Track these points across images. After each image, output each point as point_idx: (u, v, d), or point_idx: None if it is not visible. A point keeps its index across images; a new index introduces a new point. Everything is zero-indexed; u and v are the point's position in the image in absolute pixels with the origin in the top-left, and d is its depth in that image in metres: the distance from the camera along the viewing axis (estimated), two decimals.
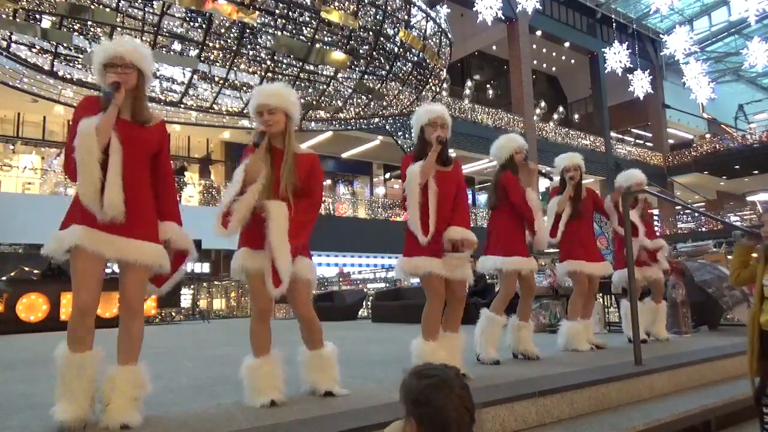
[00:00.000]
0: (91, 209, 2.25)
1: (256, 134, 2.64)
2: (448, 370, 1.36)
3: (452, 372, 1.36)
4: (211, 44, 10.93)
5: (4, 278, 9.96)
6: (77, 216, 2.29)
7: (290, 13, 10.85)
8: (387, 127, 15.73)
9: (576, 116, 31.70)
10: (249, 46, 11.33)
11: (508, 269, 3.94)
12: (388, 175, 24.41)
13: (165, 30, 10.61)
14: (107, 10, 9.70)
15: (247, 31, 10.84)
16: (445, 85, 17.85)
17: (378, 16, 11.76)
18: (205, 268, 17.58)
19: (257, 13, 10.50)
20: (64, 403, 2.20)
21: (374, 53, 12.10)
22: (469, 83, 25.97)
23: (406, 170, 3.19)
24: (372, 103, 13.64)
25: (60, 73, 10.72)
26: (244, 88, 12.29)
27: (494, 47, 26.44)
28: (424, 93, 14.16)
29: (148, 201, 2.40)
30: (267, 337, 2.69)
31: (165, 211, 2.50)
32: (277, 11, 10.87)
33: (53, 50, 10.23)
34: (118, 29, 10.20)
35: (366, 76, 12.62)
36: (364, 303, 12.94)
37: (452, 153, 3.50)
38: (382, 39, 11.97)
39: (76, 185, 2.24)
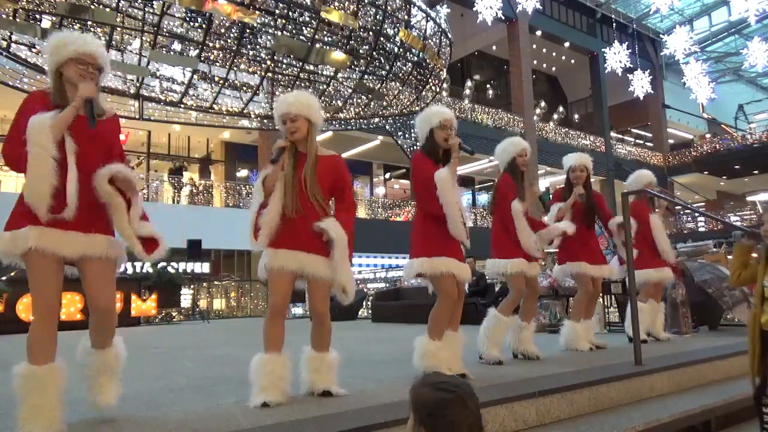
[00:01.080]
0: (37, 207, 2.11)
1: (276, 150, 2.75)
2: (464, 387, 1.41)
3: (468, 389, 1.41)
4: (211, 44, 10.92)
5: (4, 278, 9.94)
6: (30, 215, 2.15)
7: (290, 13, 10.84)
8: (387, 127, 15.71)
9: (576, 116, 31.67)
10: (249, 46, 11.32)
11: (510, 272, 3.93)
12: (388, 175, 24.39)
13: (165, 30, 10.60)
14: (107, 10, 9.67)
15: (247, 31, 10.83)
16: (445, 85, 17.83)
17: (378, 16, 11.74)
18: (205, 268, 17.54)
19: (257, 13, 10.48)
20: (34, 424, 2.03)
21: (374, 53, 12.09)
22: (469, 83, 25.93)
23: (436, 178, 3.16)
24: (372, 103, 13.63)
25: None
26: (244, 88, 12.29)
27: (494, 47, 26.42)
28: (424, 93, 14.15)
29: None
30: (279, 335, 2.72)
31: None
32: (277, 11, 10.85)
33: None
34: (118, 29, 10.18)
35: (366, 76, 12.60)
36: (364, 303, 12.94)
37: None
38: (382, 39, 11.96)
39: (26, 181, 2.10)
